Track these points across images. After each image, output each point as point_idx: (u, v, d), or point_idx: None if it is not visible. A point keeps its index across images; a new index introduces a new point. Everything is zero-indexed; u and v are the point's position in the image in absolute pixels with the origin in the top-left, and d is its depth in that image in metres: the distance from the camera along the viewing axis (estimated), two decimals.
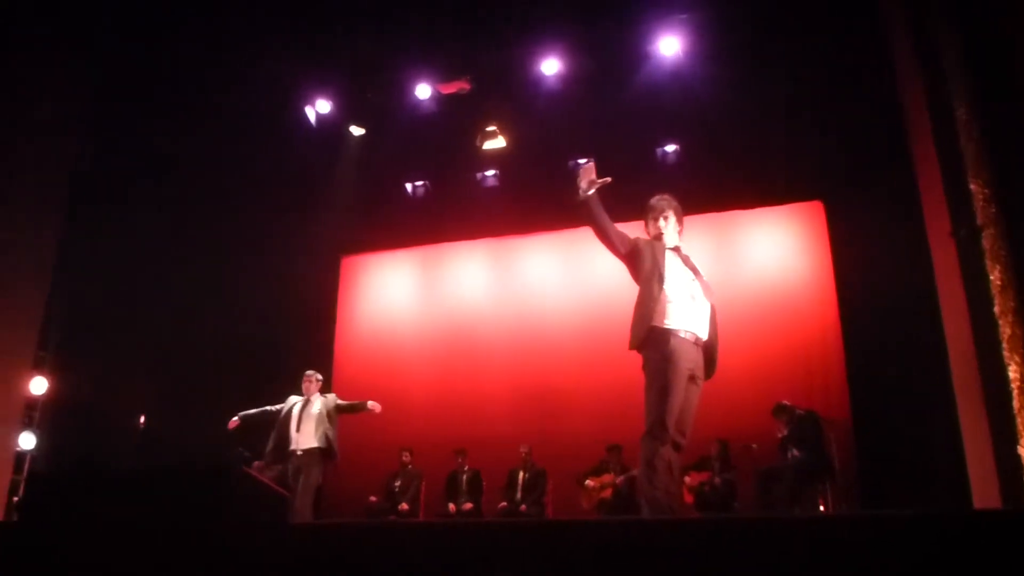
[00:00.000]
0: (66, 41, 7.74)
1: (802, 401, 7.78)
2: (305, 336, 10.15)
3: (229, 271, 9.84)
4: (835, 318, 8.73)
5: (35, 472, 7.77)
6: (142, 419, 9.40)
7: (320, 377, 7.61)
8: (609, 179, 4.23)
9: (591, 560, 2.75)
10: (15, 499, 7.28)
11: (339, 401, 7.53)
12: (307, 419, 7.27)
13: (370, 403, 7.50)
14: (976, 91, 5.43)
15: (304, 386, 7.47)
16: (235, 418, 7.34)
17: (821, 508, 7.26)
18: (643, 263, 4.31)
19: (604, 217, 4.27)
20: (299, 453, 7.16)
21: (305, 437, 7.20)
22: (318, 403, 7.39)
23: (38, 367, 8.18)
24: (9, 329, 7.09)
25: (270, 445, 7.30)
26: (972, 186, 5.32)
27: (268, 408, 7.46)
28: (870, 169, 8.22)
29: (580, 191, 4.23)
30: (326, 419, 7.29)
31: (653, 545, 2.80)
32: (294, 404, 7.37)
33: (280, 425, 7.30)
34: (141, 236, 9.13)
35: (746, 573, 2.66)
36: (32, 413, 8.24)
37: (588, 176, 4.22)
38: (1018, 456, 4.86)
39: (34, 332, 7.50)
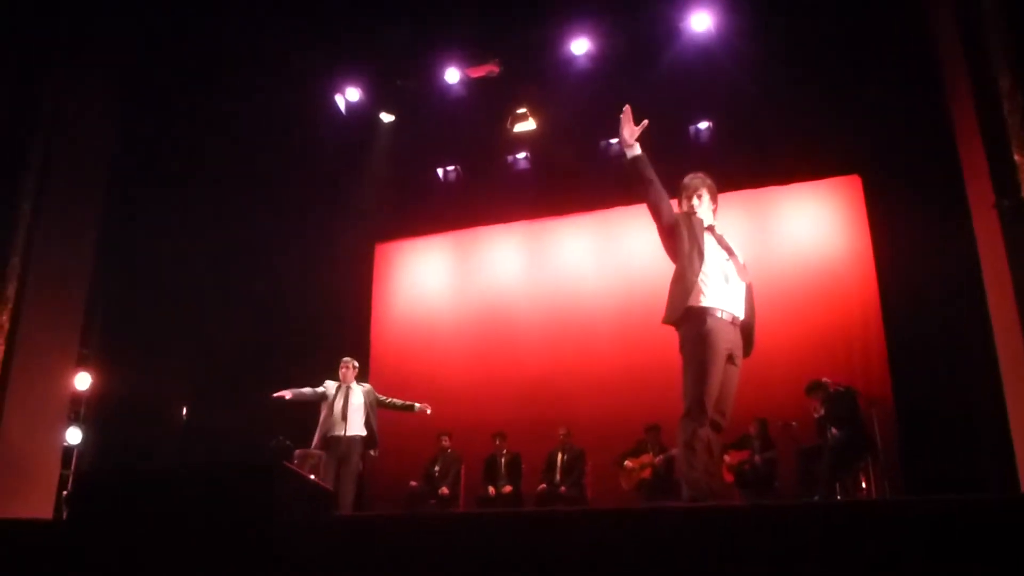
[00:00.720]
0: (99, 33, 7.80)
1: (843, 379, 7.68)
2: (341, 323, 10.26)
3: (265, 261, 9.95)
4: (875, 294, 8.57)
5: (81, 471, 7.95)
6: (184, 411, 9.57)
7: (357, 364, 7.69)
8: (647, 121, 4.19)
9: (631, 548, 2.74)
10: (64, 493, 7.44)
11: (382, 397, 7.67)
12: (353, 407, 7.39)
13: (418, 405, 7.71)
14: (1021, 59, 5.29)
15: (341, 372, 7.56)
16: (287, 392, 7.40)
17: (863, 486, 7.19)
18: (682, 239, 4.22)
19: (655, 180, 4.21)
20: (345, 440, 7.27)
21: (352, 425, 7.34)
22: (360, 391, 7.51)
23: (82, 363, 8.32)
24: (53, 326, 7.20)
25: (318, 434, 7.39)
26: (1016, 157, 5.20)
27: (312, 390, 7.56)
28: (909, 141, 8.02)
29: (626, 146, 4.19)
30: (369, 408, 7.46)
31: (694, 531, 2.78)
32: (336, 391, 7.47)
33: (326, 411, 7.41)
34: (177, 229, 9.23)
35: (785, 558, 2.63)
36: (78, 408, 8.41)
37: (628, 123, 4.18)
38: None
39: (77, 329, 7.61)
